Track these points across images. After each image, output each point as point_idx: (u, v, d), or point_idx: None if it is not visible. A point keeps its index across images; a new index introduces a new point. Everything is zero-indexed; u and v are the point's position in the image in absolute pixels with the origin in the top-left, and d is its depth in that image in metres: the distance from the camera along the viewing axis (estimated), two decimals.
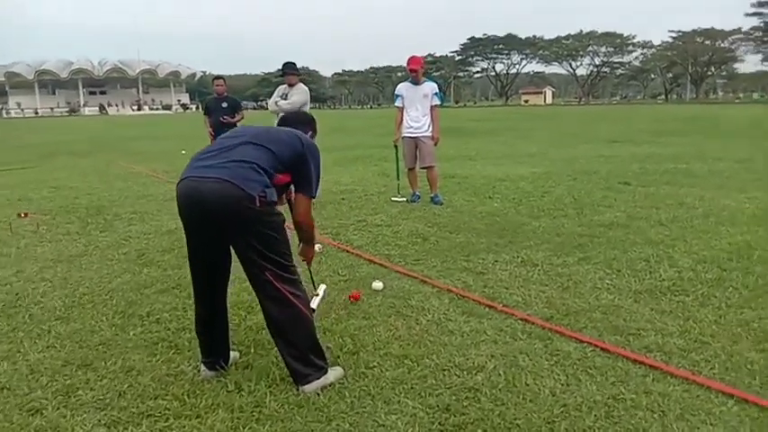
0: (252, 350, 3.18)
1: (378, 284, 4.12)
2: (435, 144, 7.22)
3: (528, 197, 7.49)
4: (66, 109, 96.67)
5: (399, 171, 7.53)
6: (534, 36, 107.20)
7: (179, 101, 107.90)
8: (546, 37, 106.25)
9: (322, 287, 3.38)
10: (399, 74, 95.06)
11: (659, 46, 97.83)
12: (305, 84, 7.37)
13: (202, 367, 2.93)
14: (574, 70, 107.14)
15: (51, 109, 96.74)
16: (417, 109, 7.12)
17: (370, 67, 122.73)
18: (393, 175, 7.67)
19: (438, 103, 7.16)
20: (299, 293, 2.72)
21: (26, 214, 6.30)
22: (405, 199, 7.35)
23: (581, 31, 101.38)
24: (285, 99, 7.08)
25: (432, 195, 7.24)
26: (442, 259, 4.82)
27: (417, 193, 7.38)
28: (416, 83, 7.16)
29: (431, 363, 2.96)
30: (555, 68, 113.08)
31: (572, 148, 14.36)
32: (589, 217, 6.21)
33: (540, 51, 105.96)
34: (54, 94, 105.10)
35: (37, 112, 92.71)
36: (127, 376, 2.94)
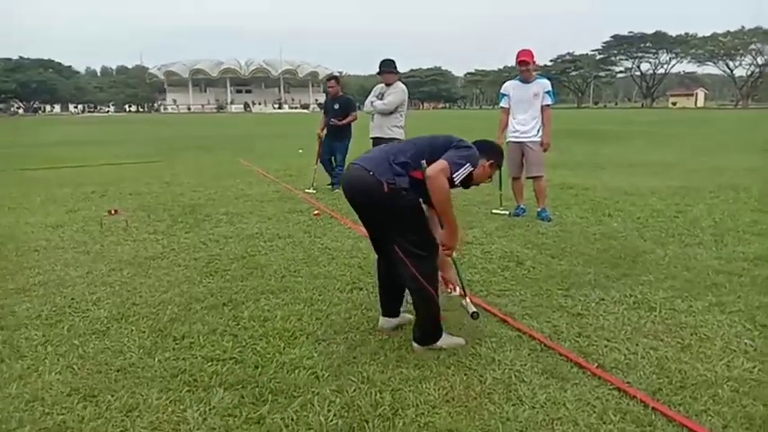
0: (270, 399, 2.65)
1: (469, 306, 3.28)
2: (545, 151, 6.34)
3: (656, 217, 6.38)
4: (215, 106, 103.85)
5: (502, 180, 6.72)
6: (686, 33, 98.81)
7: (316, 100, 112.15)
8: (700, 34, 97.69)
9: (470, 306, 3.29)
10: (534, 72, 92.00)
11: None
12: (404, 83, 6.79)
13: (380, 319, 3.42)
14: (731, 71, 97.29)
15: (202, 106, 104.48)
16: (526, 111, 6.26)
17: (504, 67, 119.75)
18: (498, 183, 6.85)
19: (550, 102, 6.25)
20: (426, 271, 3.01)
21: (116, 211, 6.31)
22: (508, 212, 6.55)
23: (742, 27, 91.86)
24: (381, 99, 6.55)
25: (538, 210, 6.36)
26: (535, 291, 4.04)
27: (522, 206, 6.53)
28: (526, 81, 6.29)
29: None
30: (709, 68, 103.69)
31: (720, 158, 12.57)
32: (731, 247, 5.06)
33: (693, 50, 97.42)
34: (205, 91, 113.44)
35: (189, 108, 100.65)
36: (125, 417, 2.54)
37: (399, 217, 2.98)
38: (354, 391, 2.70)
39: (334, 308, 3.78)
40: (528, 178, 6.42)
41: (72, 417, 2.54)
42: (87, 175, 10.86)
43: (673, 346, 3.15)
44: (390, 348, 3.14)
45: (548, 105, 6.26)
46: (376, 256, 3.38)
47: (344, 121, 8.55)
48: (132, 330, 3.48)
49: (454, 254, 3.21)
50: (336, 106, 8.62)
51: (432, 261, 3.07)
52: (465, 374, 2.85)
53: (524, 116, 6.27)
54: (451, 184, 2.92)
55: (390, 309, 3.40)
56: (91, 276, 4.55)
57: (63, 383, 2.83)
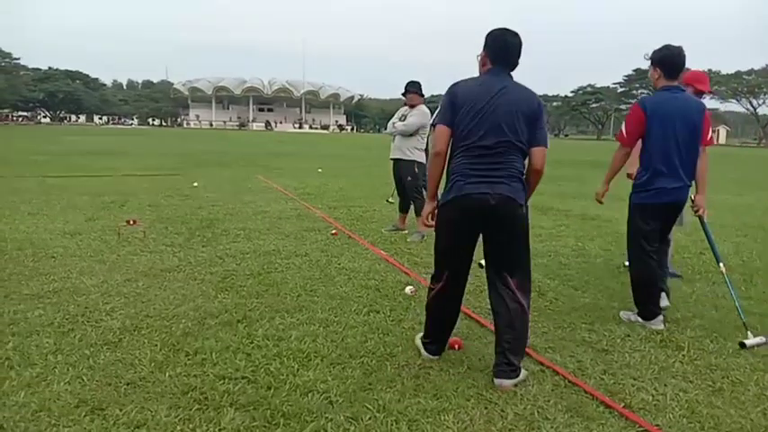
0: (281, 422, 2.55)
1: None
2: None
3: (682, 253, 6.22)
4: (237, 123, 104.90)
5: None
6: (710, 70, 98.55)
7: (336, 121, 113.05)
8: (723, 71, 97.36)
9: None
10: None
11: None
12: (428, 107, 6.71)
13: (422, 350, 3.27)
14: (755, 108, 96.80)
15: (224, 122, 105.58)
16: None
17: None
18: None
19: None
20: (529, 300, 3.05)
21: (134, 221, 6.29)
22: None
23: (767, 65, 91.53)
24: (404, 121, 6.50)
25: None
26: (558, 324, 3.92)
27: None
28: None
29: None
30: (732, 106, 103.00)
31: (744, 196, 12.35)
32: (761, 288, 4.91)
33: (716, 87, 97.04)
34: (228, 108, 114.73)
35: (212, 125, 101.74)
36: None
37: (519, 237, 2.98)
38: (369, 419, 2.59)
39: (350, 330, 3.69)
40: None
41: (78, 430, 2.46)
42: (108, 185, 10.93)
43: (703, 388, 3.01)
44: (408, 376, 3.03)
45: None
46: (434, 289, 3.24)
47: None
48: (144, 343, 3.41)
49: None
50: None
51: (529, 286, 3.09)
52: (485, 408, 2.73)
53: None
54: None
55: (444, 339, 3.31)
56: (106, 286, 4.51)
57: (71, 394, 2.75)
